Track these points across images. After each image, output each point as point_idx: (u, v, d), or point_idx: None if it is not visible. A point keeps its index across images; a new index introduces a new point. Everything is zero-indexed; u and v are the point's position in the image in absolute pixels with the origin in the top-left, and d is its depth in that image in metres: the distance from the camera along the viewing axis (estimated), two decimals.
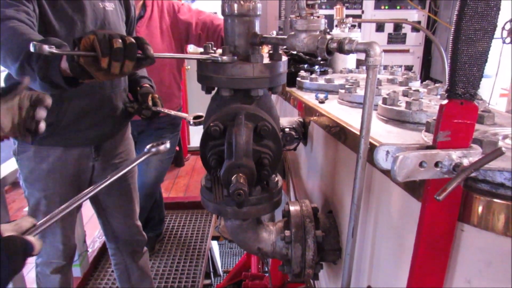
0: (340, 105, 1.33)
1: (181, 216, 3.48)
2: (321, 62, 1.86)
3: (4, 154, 1.96)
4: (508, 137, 0.81)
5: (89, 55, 0.96)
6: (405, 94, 1.17)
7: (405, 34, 3.90)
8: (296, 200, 1.24)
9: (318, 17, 0.91)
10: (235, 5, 0.96)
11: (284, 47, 0.99)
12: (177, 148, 4.48)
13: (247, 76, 0.96)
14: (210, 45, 0.99)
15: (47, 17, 1.38)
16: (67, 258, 1.83)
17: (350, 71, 1.86)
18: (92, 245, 3.05)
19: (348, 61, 1.97)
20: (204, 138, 1.00)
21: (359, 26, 2.47)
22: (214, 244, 3.54)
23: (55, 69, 1.08)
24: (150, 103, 1.69)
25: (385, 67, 1.85)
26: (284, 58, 1.03)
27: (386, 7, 3.83)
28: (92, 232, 3.20)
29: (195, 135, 5.22)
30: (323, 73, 1.81)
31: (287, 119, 1.48)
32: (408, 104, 1.02)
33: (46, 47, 0.90)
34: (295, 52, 1.79)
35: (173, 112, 1.75)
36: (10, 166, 2.09)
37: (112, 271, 2.15)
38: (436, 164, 0.65)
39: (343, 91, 1.34)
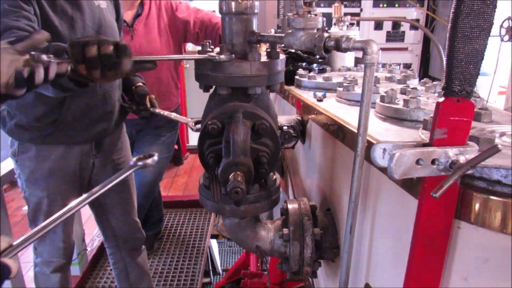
0: (338, 103, 1.34)
1: (180, 215, 3.48)
2: (320, 60, 1.86)
3: (4, 153, 1.96)
4: (505, 135, 0.81)
5: (64, 62, 0.91)
6: (403, 92, 1.17)
7: (403, 32, 3.90)
8: (295, 198, 1.24)
9: (315, 15, 0.91)
10: (233, 3, 0.97)
11: (282, 45, 0.99)
12: (176, 147, 4.49)
13: (245, 74, 0.96)
14: (208, 43, 0.99)
15: (49, 17, 1.38)
16: (67, 256, 1.84)
17: (349, 69, 1.86)
18: (91, 244, 3.05)
19: (347, 59, 1.97)
20: (202, 136, 1.00)
21: (358, 24, 2.48)
22: (214, 243, 3.54)
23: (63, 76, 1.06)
24: (148, 104, 1.73)
25: (384, 65, 1.85)
26: (282, 56, 1.03)
27: (385, 5, 3.84)
28: (91, 231, 3.20)
29: (194, 134, 5.21)
30: (322, 71, 1.81)
31: (285, 117, 1.49)
32: (406, 102, 1.02)
33: (44, 57, 0.87)
34: (293, 51, 1.79)
35: (173, 115, 1.77)
36: (9, 164, 2.08)
37: (111, 270, 2.14)
38: (433, 162, 0.65)
39: (341, 89, 1.34)
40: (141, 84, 1.83)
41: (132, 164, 0.79)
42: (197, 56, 0.97)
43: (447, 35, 0.63)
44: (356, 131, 0.81)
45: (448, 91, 0.64)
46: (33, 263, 1.84)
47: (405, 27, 3.87)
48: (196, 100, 4.74)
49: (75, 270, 2.69)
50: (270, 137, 1.00)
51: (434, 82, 1.31)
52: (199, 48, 1.00)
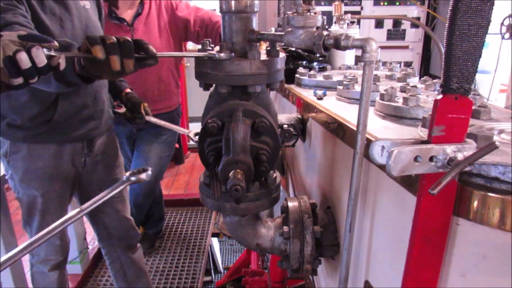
0: (338, 101, 1.34)
1: (181, 213, 3.49)
2: (320, 58, 1.86)
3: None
4: (503, 132, 0.81)
5: (86, 56, 0.94)
6: (402, 90, 1.17)
7: (404, 30, 3.90)
8: (295, 196, 1.24)
9: (314, 13, 0.92)
10: (233, 2, 0.97)
11: (282, 43, 0.99)
12: (177, 146, 4.49)
13: (245, 72, 0.96)
14: (208, 41, 1.00)
15: (40, 18, 1.39)
16: (64, 253, 1.85)
17: (349, 68, 1.86)
18: (93, 243, 3.06)
19: (347, 57, 1.97)
20: (202, 135, 1.01)
21: (358, 23, 2.47)
22: (215, 241, 3.55)
23: (70, 70, 1.06)
24: (143, 113, 1.82)
25: (384, 63, 1.85)
26: (282, 55, 1.03)
27: (385, 3, 3.83)
28: (92, 229, 3.20)
29: None
30: (322, 69, 1.81)
31: (286, 115, 1.49)
32: (405, 99, 1.02)
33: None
34: (294, 49, 1.80)
35: (175, 128, 1.80)
36: None
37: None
38: (431, 159, 0.65)
39: (341, 87, 1.34)
40: (129, 90, 1.87)
41: (124, 179, 0.80)
42: (196, 53, 0.98)
43: (445, 32, 0.63)
44: (355, 129, 0.82)
45: (446, 88, 0.64)
46: (30, 264, 1.84)
47: (406, 25, 3.86)
48: (197, 99, 4.74)
49: (77, 269, 2.70)
50: (270, 135, 1.00)
51: (434, 80, 1.31)
52: (200, 46, 1.01)
